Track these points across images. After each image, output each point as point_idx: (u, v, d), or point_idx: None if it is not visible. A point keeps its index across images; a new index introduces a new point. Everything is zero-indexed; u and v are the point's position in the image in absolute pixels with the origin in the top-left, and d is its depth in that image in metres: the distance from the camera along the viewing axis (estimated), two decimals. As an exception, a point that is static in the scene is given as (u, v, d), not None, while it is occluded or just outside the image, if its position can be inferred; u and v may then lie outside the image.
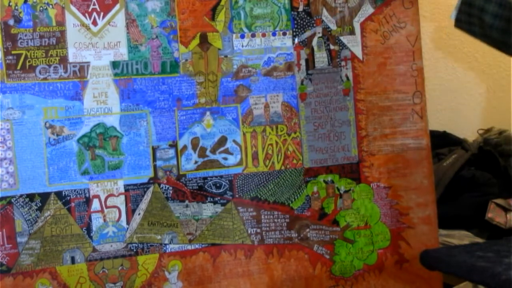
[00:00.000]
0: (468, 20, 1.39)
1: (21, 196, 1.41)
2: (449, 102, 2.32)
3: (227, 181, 1.54)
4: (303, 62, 1.59)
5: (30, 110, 1.42)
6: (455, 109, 2.30)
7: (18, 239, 1.41)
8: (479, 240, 1.85)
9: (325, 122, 1.60)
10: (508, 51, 1.40)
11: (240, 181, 1.55)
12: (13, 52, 1.41)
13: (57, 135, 1.44)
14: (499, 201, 1.87)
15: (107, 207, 1.47)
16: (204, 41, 1.53)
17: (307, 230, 1.58)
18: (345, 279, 1.60)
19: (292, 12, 1.58)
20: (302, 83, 1.59)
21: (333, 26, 1.60)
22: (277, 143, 1.57)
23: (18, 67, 1.41)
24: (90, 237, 1.46)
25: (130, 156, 1.48)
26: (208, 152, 1.53)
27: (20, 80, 1.42)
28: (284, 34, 1.58)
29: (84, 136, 1.45)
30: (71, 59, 1.45)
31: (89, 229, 1.46)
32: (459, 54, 2.24)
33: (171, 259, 1.50)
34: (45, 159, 1.43)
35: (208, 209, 1.53)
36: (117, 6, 1.48)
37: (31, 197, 1.42)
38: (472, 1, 1.37)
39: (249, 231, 1.55)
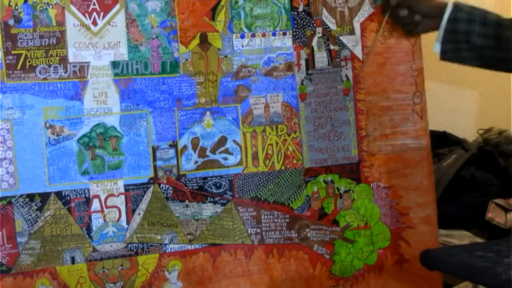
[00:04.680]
0: (455, 47, 1.42)
1: (21, 196, 1.41)
2: (449, 102, 2.32)
3: (227, 181, 1.54)
4: (303, 62, 1.59)
5: (30, 110, 1.42)
6: (455, 109, 2.30)
7: (18, 239, 1.41)
8: (479, 240, 1.85)
9: (325, 122, 1.60)
10: (505, 68, 1.41)
11: (240, 181, 1.55)
12: (13, 52, 1.41)
13: (57, 135, 1.44)
14: (499, 201, 1.87)
15: (107, 207, 1.47)
16: (204, 41, 1.53)
17: (307, 230, 1.58)
18: (345, 279, 1.60)
19: (292, 12, 1.58)
20: (302, 83, 1.59)
21: (333, 26, 1.60)
22: (277, 143, 1.57)
23: (18, 67, 1.41)
24: (90, 237, 1.46)
25: (130, 156, 1.48)
26: (208, 152, 1.53)
27: (20, 80, 1.42)
28: (284, 34, 1.58)
29: (84, 136, 1.45)
30: (71, 59, 1.45)
31: (89, 229, 1.46)
32: (459, 54, 2.24)
33: (171, 259, 1.50)
34: (45, 159, 1.43)
35: (208, 209, 1.53)
36: (117, 6, 1.48)
37: (31, 197, 1.42)
38: (456, 27, 1.39)
39: (249, 231, 1.55)
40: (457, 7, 1.42)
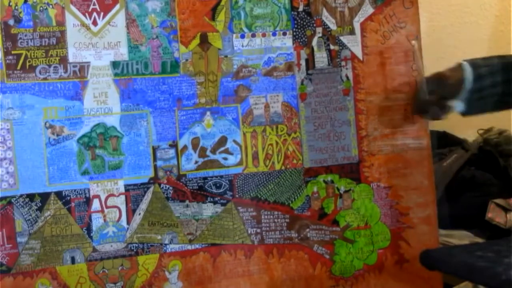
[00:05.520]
0: (481, 102, 1.40)
1: (21, 196, 1.42)
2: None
3: (227, 181, 1.54)
4: (303, 62, 1.59)
5: (30, 110, 1.42)
6: (455, 109, 2.30)
7: (18, 239, 1.41)
8: (479, 240, 1.85)
9: (325, 122, 1.60)
10: None
11: (240, 181, 1.55)
12: (13, 52, 1.41)
13: (57, 135, 1.44)
14: (499, 201, 1.87)
15: (107, 207, 1.47)
16: (204, 41, 1.53)
17: (307, 230, 1.58)
18: (345, 279, 1.60)
19: (292, 12, 1.58)
20: (302, 83, 1.59)
21: (333, 26, 1.60)
22: (277, 143, 1.57)
23: (18, 67, 1.41)
24: (90, 237, 1.46)
25: (130, 156, 1.48)
26: (208, 152, 1.53)
27: (20, 80, 1.42)
28: (284, 34, 1.58)
29: (84, 136, 1.45)
30: (71, 59, 1.45)
31: (89, 229, 1.46)
32: (458, 54, 2.24)
33: (171, 259, 1.50)
34: (45, 159, 1.43)
35: (208, 209, 1.53)
36: (117, 6, 1.48)
37: (31, 197, 1.42)
38: (481, 84, 1.37)
39: (249, 231, 1.55)
40: (473, 65, 1.39)
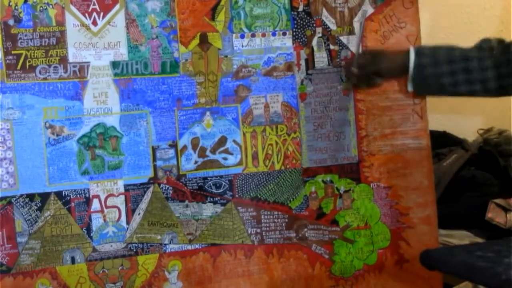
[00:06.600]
0: (427, 89, 1.45)
1: (21, 196, 1.42)
2: (449, 102, 2.31)
3: (227, 181, 1.54)
4: (303, 62, 1.59)
5: (30, 110, 1.42)
6: (455, 109, 2.30)
7: (18, 239, 1.41)
8: (479, 240, 1.85)
9: (325, 122, 1.60)
10: (480, 95, 1.41)
11: (240, 181, 1.55)
12: (13, 52, 1.41)
13: (57, 135, 1.44)
14: (499, 201, 1.87)
15: (107, 207, 1.47)
16: (204, 41, 1.53)
17: (305, 230, 1.58)
18: (345, 279, 1.60)
19: (292, 12, 1.58)
20: (302, 83, 1.59)
21: (333, 26, 1.60)
22: (277, 143, 1.57)
23: (18, 67, 1.41)
24: (90, 237, 1.46)
25: (130, 156, 1.48)
26: (208, 152, 1.53)
27: (20, 80, 1.42)
28: (284, 34, 1.58)
29: (84, 136, 1.46)
30: (71, 59, 1.45)
31: (89, 229, 1.46)
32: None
33: (171, 259, 1.50)
34: (45, 159, 1.43)
35: (208, 209, 1.53)
36: (117, 6, 1.48)
37: (31, 197, 1.42)
38: (423, 73, 1.41)
39: (249, 231, 1.55)
40: (418, 53, 1.40)
